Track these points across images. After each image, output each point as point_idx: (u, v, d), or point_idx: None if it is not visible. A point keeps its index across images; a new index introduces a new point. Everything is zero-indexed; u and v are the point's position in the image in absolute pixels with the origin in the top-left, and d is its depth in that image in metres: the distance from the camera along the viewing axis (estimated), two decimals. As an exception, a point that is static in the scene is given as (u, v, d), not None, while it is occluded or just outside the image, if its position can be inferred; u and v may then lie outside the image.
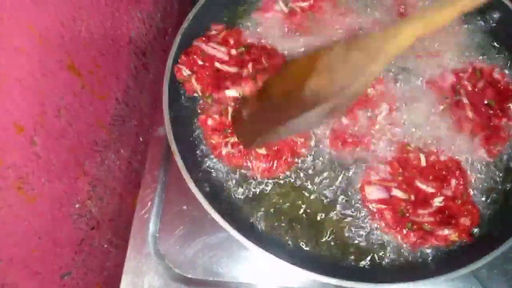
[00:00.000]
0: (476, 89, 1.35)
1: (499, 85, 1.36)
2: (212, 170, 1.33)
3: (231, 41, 1.41)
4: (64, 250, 1.22)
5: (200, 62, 1.36)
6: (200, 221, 1.35)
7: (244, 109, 1.20)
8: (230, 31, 1.44)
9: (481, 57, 1.43)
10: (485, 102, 1.34)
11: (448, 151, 1.30)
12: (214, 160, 1.34)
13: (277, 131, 1.10)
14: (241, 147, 1.28)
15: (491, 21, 1.46)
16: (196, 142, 1.37)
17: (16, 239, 1.02)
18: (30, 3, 0.93)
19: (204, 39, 1.40)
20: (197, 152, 1.35)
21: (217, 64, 1.37)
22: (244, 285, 1.31)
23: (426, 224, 1.20)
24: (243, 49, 1.39)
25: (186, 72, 1.36)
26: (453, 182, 1.25)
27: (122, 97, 1.44)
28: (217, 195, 1.30)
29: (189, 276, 1.32)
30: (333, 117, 1.29)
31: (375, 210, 1.24)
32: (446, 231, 1.19)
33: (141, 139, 1.62)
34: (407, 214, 1.22)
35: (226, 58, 1.38)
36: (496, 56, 1.44)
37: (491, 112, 1.33)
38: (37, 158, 1.04)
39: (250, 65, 1.35)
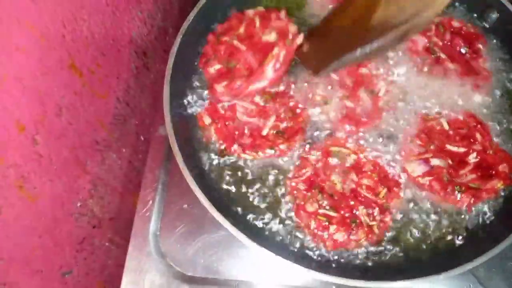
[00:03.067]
0: (446, 42, 1.48)
1: (462, 32, 1.49)
2: (213, 169, 1.34)
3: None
4: (65, 249, 1.23)
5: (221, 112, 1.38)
6: (201, 219, 1.35)
7: (309, 41, 1.27)
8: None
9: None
10: (459, 50, 1.46)
11: (452, 105, 1.38)
12: (215, 159, 1.34)
13: (346, 59, 1.17)
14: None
15: (489, 20, 1.52)
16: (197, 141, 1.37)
17: (17, 238, 1.02)
18: (30, 2, 0.93)
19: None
20: (198, 151, 1.35)
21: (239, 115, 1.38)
22: (245, 283, 1.32)
23: (472, 183, 1.25)
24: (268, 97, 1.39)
25: (207, 120, 1.37)
26: (478, 136, 1.32)
27: (123, 97, 1.45)
28: (218, 194, 1.30)
29: (190, 274, 1.32)
30: (404, 40, 1.31)
31: (425, 183, 1.27)
32: (492, 183, 1.25)
33: (142, 139, 1.62)
34: (452, 179, 1.26)
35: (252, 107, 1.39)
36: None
37: (468, 56, 1.46)
38: (38, 157, 1.04)
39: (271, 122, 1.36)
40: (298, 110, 1.37)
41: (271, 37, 1.34)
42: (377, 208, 1.24)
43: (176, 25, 1.43)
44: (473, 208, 1.27)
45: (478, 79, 1.41)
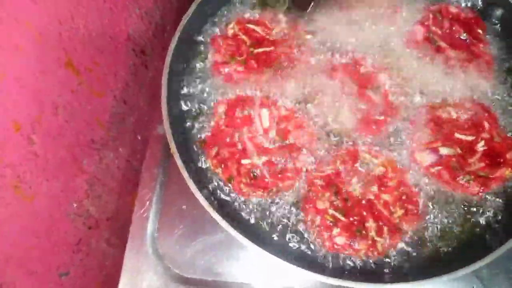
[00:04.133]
0: (445, 30, 1.47)
1: (460, 18, 1.48)
2: (212, 169, 1.33)
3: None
4: (62, 250, 1.22)
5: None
6: (200, 220, 1.34)
7: None
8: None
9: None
10: (459, 36, 1.45)
11: (458, 93, 1.37)
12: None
13: None
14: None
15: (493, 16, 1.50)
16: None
17: (14, 238, 1.01)
18: (28, 1, 0.92)
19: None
20: (197, 151, 1.34)
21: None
22: (243, 285, 1.31)
23: (480, 171, 1.25)
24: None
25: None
26: (486, 124, 1.31)
27: (120, 95, 1.43)
28: (217, 195, 1.29)
29: (188, 276, 1.31)
30: None
31: (434, 172, 1.27)
32: (501, 171, 1.25)
33: (139, 138, 1.61)
34: (462, 167, 1.26)
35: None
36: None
37: (468, 42, 1.45)
38: (34, 156, 1.03)
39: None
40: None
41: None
42: (387, 228, 1.22)
43: (174, 22, 1.41)
44: (483, 196, 1.26)
45: (480, 64, 1.40)
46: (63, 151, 1.16)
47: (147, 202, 1.39)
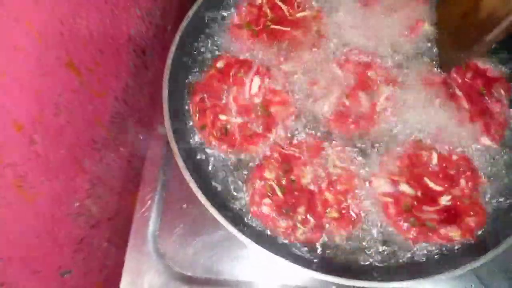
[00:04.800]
0: (466, 80, 1.40)
1: (486, 74, 1.41)
2: (213, 169, 1.33)
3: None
4: (63, 249, 1.22)
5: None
6: (200, 219, 1.35)
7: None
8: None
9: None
10: (478, 90, 1.39)
11: (453, 143, 1.32)
12: (215, 158, 1.34)
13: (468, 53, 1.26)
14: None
15: None
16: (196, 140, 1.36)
17: (15, 238, 1.02)
18: (28, 0, 0.92)
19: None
20: (198, 150, 1.35)
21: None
22: (244, 283, 1.31)
23: (429, 222, 1.21)
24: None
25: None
26: (463, 182, 1.27)
27: (121, 95, 1.44)
28: (218, 194, 1.30)
29: (189, 274, 1.32)
30: (507, 34, 1.19)
31: (382, 201, 1.25)
32: (449, 230, 1.20)
33: (140, 137, 1.61)
34: (412, 210, 1.23)
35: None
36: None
37: (485, 99, 1.38)
38: (36, 156, 1.03)
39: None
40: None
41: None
42: (314, 221, 1.24)
43: (175, 23, 1.42)
44: (416, 246, 1.23)
45: (492, 123, 1.34)
46: (64, 151, 1.16)
47: (148, 202, 1.40)
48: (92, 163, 1.31)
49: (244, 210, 1.29)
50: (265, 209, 1.24)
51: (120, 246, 1.44)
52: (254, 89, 1.39)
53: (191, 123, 1.38)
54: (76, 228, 1.27)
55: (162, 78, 1.30)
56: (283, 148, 1.31)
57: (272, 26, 1.48)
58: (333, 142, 1.33)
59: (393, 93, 1.37)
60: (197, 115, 1.35)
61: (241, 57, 1.44)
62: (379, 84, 1.39)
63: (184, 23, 1.38)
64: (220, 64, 1.41)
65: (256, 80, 1.39)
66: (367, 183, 1.28)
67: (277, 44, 1.46)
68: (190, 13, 1.40)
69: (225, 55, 1.44)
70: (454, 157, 1.30)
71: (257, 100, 1.38)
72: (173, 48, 1.34)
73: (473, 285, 1.26)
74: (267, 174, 1.27)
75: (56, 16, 1.03)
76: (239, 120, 1.35)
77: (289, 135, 1.35)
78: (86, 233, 1.32)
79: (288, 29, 1.47)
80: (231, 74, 1.39)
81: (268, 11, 1.51)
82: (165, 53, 1.34)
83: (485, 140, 1.33)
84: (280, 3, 1.51)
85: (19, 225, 1.02)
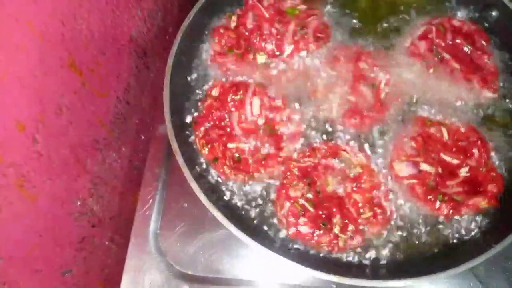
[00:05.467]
0: (448, 42, 1.46)
1: (463, 31, 1.47)
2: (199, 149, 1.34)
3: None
4: (65, 248, 1.22)
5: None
6: (201, 218, 1.35)
7: None
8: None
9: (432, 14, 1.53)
10: (462, 48, 1.45)
11: (457, 108, 1.38)
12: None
13: None
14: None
15: (489, 18, 1.51)
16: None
17: (17, 237, 1.02)
18: (29, 1, 0.93)
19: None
20: (198, 149, 1.35)
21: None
22: (245, 282, 1.32)
23: (456, 195, 1.24)
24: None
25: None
26: (476, 152, 1.30)
27: (123, 96, 1.44)
28: (218, 193, 1.30)
29: (190, 273, 1.32)
30: None
31: (408, 184, 1.27)
32: (476, 200, 1.23)
33: (142, 138, 1.62)
34: (437, 187, 1.26)
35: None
36: (444, 7, 1.55)
37: (472, 54, 1.44)
38: (38, 156, 1.04)
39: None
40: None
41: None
42: (352, 226, 1.23)
43: (176, 24, 1.42)
44: (451, 218, 1.26)
45: (485, 75, 1.39)
46: (66, 151, 1.16)
47: (150, 201, 1.40)
48: (94, 162, 1.32)
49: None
50: (303, 229, 1.22)
51: (121, 245, 1.45)
52: (256, 110, 1.37)
53: (190, 122, 1.39)
54: (78, 227, 1.28)
55: (163, 79, 1.31)
56: (298, 162, 1.30)
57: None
58: (346, 142, 1.34)
59: (389, 76, 1.40)
60: (206, 148, 1.32)
61: (233, 79, 1.43)
62: (374, 71, 1.41)
63: (185, 24, 1.39)
64: (215, 92, 1.39)
65: (256, 101, 1.37)
66: (389, 177, 1.30)
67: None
68: (191, 13, 1.40)
69: (218, 81, 1.42)
70: (462, 129, 1.33)
71: (261, 121, 1.37)
72: (174, 48, 1.35)
73: (471, 284, 1.27)
74: (292, 193, 1.26)
75: (57, 17, 1.04)
76: (248, 145, 1.33)
77: (301, 146, 1.35)
78: (87, 232, 1.33)
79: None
80: (228, 99, 1.37)
81: (244, 30, 1.49)
82: (166, 54, 1.35)
83: (486, 93, 1.38)
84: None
85: (21, 225, 1.03)
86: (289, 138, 1.34)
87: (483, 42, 1.45)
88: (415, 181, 1.26)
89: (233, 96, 1.37)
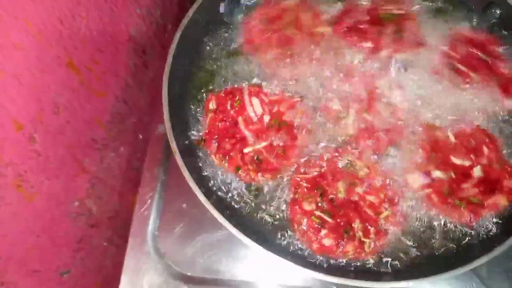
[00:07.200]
0: (463, 53, 1.42)
1: (474, 41, 1.44)
2: (212, 168, 1.33)
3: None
4: (63, 249, 1.22)
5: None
6: (200, 219, 1.34)
7: None
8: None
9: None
10: (478, 58, 1.41)
11: (477, 117, 1.33)
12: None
13: None
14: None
15: (492, 17, 1.48)
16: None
17: (15, 237, 1.02)
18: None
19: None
20: (197, 150, 1.34)
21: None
22: (244, 283, 1.31)
23: (473, 198, 1.22)
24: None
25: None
26: (485, 149, 1.28)
27: (121, 95, 1.44)
28: (217, 193, 1.30)
29: (189, 274, 1.31)
30: None
31: (424, 195, 1.25)
32: (495, 199, 1.21)
33: (140, 137, 1.62)
34: (454, 193, 1.24)
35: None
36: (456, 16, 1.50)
37: (488, 63, 1.41)
38: (36, 155, 1.03)
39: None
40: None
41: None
42: (373, 228, 1.21)
43: (175, 22, 1.42)
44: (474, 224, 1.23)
45: (507, 84, 1.36)
46: (64, 151, 1.16)
47: (148, 201, 1.40)
48: (92, 162, 1.31)
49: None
50: (327, 242, 1.20)
51: (120, 246, 1.45)
52: (258, 109, 1.36)
53: (189, 122, 1.38)
54: (76, 227, 1.27)
55: (162, 77, 1.30)
56: (305, 174, 1.29)
57: (286, 31, 1.47)
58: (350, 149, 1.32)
59: (408, 97, 1.37)
60: (225, 162, 1.30)
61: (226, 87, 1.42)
62: (391, 90, 1.38)
63: (184, 22, 1.38)
64: (212, 105, 1.37)
65: (255, 101, 1.37)
66: (398, 177, 1.28)
67: (284, 49, 1.45)
68: (191, 11, 1.39)
69: (210, 94, 1.40)
70: (468, 130, 1.31)
71: (267, 118, 1.36)
72: (173, 47, 1.34)
73: (474, 285, 1.26)
74: (307, 207, 1.24)
75: (55, 15, 1.03)
76: (263, 143, 1.32)
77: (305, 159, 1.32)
78: (85, 233, 1.32)
79: (302, 37, 1.47)
80: (227, 108, 1.36)
81: (289, 15, 1.50)
82: (165, 52, 1.33)
83: (509, 102, 1.35)
84: (305, 15, 1.50)
85: (19, 225, 1.02)
86: (299, 125, 1.34)
87: (497, 48, 1.42)
88: (430, 190, 1.24)
89: (231, 103, 1.36)
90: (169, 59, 1.32)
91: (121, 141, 1.48)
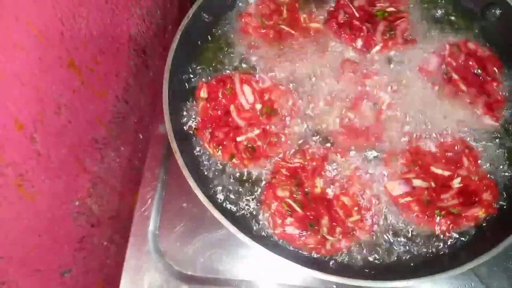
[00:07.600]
0: (460, 63, 1.42)
1: (477, 54, 1.43)
2: (213, 168, 1.33)
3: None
4: (64, 248, 1.22)
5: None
6: (200, 218, 1.35)
7: None
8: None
9: (449, 34, 1.49)
10: (473, 71, 1.41)
11: (455, 128, 1.34)
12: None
13: None
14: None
15: (492, 18, 1.49)
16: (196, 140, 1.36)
17: (16, 237, 1.02)
18: (28, 0, 0.93)
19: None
20: (197, 149, 1.35)
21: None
22: (244, 282, 1.31)
23: (452, 208, 1.23)
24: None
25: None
26: (465, 161, 1.29)
27: (122, 95, 1.44)
28: (217, 193, 1.30)
29: (189, 273, 1.32)
30: None
31: (403, 203, 1.25)
32: (473, 211, 1.22)
33: (141, 137, 1.62)
34: (433, 202, 1.24)
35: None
36: (460, 29, 1.51)
37: (481, 79, 1.40)
38: (37, 155, 1.03)
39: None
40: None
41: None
42: (340, 229, 1.23)
43: (176, 22, 1.42)
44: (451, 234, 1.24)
45: (490, 101, 1.36)
46: (65, 150, 1.16)
47: (149, 201, 1.40)
48: (93, 162, 1.31)
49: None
50: (290, 229, 1.22)
51: (121, 245, 1.45)
52: (250, 97, 1.38)
53: (189, 123, 1.38)
54: (77, 227, 1.27)
55: (162, 78, 1.30)
56: (288, 162, 1.30)
57: (281, 27, 1.49)
58: (337, 148, 1.33)
59: (394, 99, 1.38)
60: (219, 151, 1.31)
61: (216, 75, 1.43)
62: (378, 90, 1.39)
63: (184, 22, 1.38)
64: (203, 94, 1.38)
65: (247, 89, 1.38)
66: (377, 184, 1.29)
67: (279, 44, 1.46)
68: (191, 12, 1.40)
69: (201, 82, 1.41)
70: (449, 140, 1.32)
71: (259, 106, 1.37)
72: (173, 47, 1.34)
73: (473, 284, 1.27)
74: (280, 193, 1.25)
75: (57, 16, 1.03)
76: (256, 131, 1.33)
77: (296, 148, 1.34)
78: (86, 232, 1.32)
79: (296, 33, 1.48)
80: (219, 96, 1.37)
81: (285, 11, 1.51)
82: (165, 53, 1.34)
83: (488, 120, 1.35)
84: (300, 11, 1.52)
85: (20, 224, 1.02)
86: (289, 113, 1.36)
87: (495, 69, 1.41)
88: (410, 198, 1.25)
89: (223, 91, 1.38)
90: (169, 59, 1.33)
91: (122, 141, 1.48)
